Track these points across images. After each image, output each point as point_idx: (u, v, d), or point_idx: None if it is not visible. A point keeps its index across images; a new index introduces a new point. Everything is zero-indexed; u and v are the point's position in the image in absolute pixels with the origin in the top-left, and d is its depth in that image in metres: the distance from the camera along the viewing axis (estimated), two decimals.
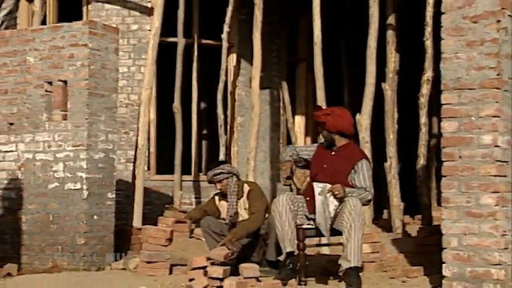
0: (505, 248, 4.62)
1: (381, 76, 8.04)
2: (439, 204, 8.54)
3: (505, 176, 4.69)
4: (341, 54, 10.89)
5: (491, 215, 4.63)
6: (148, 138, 8.57)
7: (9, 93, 6.88)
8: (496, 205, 4.63)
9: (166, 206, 8.34)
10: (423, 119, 7.91)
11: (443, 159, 4.83)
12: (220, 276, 5.13)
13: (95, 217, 6.42)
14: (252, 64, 8.29)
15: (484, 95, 4.69)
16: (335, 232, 5.35)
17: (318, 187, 5.28)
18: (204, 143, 11.64)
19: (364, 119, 7.60)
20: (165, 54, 8.99)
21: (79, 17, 8.86)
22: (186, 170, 8.92)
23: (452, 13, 4.81)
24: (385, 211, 9.01)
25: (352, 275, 5.13)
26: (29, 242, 6.60)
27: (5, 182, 6.83)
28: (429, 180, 9.25)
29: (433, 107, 8.82)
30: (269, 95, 9.66)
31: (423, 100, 7.85)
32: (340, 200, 5.22)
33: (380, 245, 6.25)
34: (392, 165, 8.04)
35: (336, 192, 5.20)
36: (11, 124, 6.84)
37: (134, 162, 7.94)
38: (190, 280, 5.25)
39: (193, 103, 9.13)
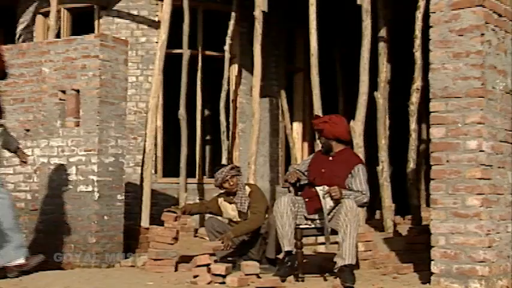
0: (489, 246, 4.63)
1: (373, 85, 8.06)
2: (428, 205, 8.55)
3: (489, 179, 4.70)
4: (336, 64, 10.91)
5: (476, 215, 4.64)
6: (156, 144, 8.58)
7: (25, 102, 6.90)
8: (480, 206, 4.64)
9: (172, 206, 8.33)
10: (413, 125, 7.93)
11: (431, 163, 4.84)
12: (223, 273, 5.14)
13: (106, 217, 6.43)
14: (252, 74, 8.31)
15: (470, 103, 4.71)
16: (331, 231, 5.36)
17: (320, 190, 5.28)
18: (207, 147, 11.64)
19: (357, 126, 7.62)
20: (171, 65, 9.00)
21: (91, 31, 8.88)
22: (190, 173, 8.94)
23: (439, 27, 4.83)
24: (377, 212, 9.02)
25: (346, 272, 5.13)
26: (44, 240, 6.60)
27: (22, 184, 6.84)
28: (419, 183, 9.26)
29: (422, 114, 8.83)
30: (268, 103, 9.67)
31: (413, 108, 7.87)
32: (336, 201, 5.23)
33: (373, 244, 6.25)
34: (384, 169, 8.05)
35: (333, 194, 5.20)
36: (28, 130, 6.86)
37: (142, 166, 7.95)
38: (195, 277, 5.25)
39: (197, 110, 9.14)
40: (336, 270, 5.20)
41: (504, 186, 4.91)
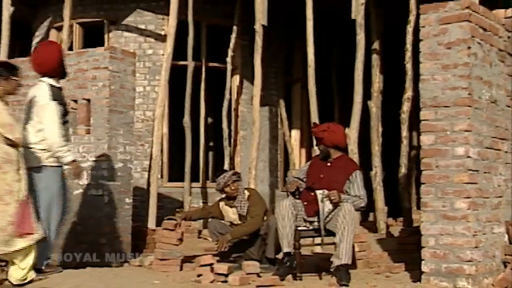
0: (476, 247, 4.63)
1: (367, 95, 8.07)
2: (418, 208, 8.55)
3: (475, 184, 4.70)
4: (332, 75, 10.92)
5: (464, 217, 4.64)
6: (162, 150, 8.58)
7: None
8: (468, 209, 4.64)
9: (177, 209, 8.34)
10: (404, 133, 7.94)
11: (422, 169, 4.85)
12: (225, 272, 5.14)
13: (115, 220, 6.42)
14: (253, 84, 8.33)
15: (458, 112, 4.71)
16: (328, 233, 5.37)
17: (320, 194, 5.29)
18: (210, 154, 11.64)
19: (352, 133, 7.62)
20: (176, 76, 9.02)
21: (101, 44, 8.91)
22: (194, 178, 8.94)
23: (429, 40, 4.84)
24: (371, 214, 9.02)
25: (342, 271, 5.14)
26: (58, 241, 6.60)
27: None
28: (410, 187, 9.26)
29: (413, 122, 8.84)
30: (268, 111, 9.68)
31: (404, 116, 7.88)
32: (335, 205, 5.24)
33: (366, 244, 6.25)
34: (377, 174, 8.06)
35: (332, 198, 5.21)
36: None
37: (149, 171, 7.96)
38: (199, 276, 5.25)
39: (201, 118, 9.15)
40: (332, 270, 5.20)
41: (490, 190, 4.91)
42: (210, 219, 6.23)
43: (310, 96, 7.81)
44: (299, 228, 5.40)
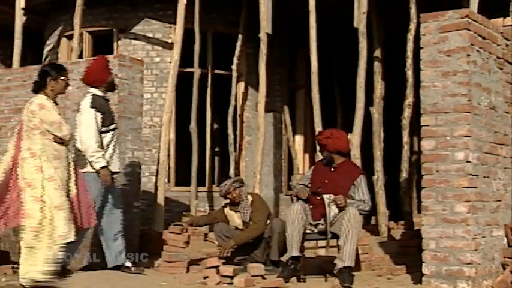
0: (476, 250, 4.63)
1: (368, 101, 8.07)
2: (419, 211, 8.52)
3: (475, 188, 4.70)
4: (334, 82, 10.93)
5: (463, 221, 4.64)
6: (169, 155, 8.59)
7: None
8: (468, 212, 4.64)
9: (184, 213, 8.35)
10: (405, 138, 7.93)
11: (423, 173, 4.85)
12: (231, 274, 5.15)
13: (123, 223, 6.43)
14: (258, 91, 8.33)
15: (457, 118, 4.72)
16: (333, 236, 5.38)
17: (327, 199, 5.30)
18: (216, 158, 11.65)
19: (354, 138, 7.62)
20: (183, 83, 9.04)
21: (110, 52, 8.93)
22: (201, 182, 8.94)
23: (429, 48, 4.85)
24: (373, 218, 9.00)
25: (345, 273, 5.14)
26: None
27: None
28: (411, 191, 9.23)
29: (414, 128, 8.82)
30: (273, 117, 9.69)
31: (405, 122, 7.87)
32: (341, 209, 5.25)
33: (368, 247, 6.24)
34: (379, 178, 8.05)
35: (339, 202, 5.23)
36: None
37: (156, 176, 7.96)
38: (205, 278, 5.26)
39: (207, 124, 9.17)
40: (335, 272, 5.20)
41: (489, 194, 4.91)
42: (216, 223, 6.24)
43: (314, 103, 7.82)
44: (305, 231, 5.41)
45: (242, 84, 9.43)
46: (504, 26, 5.30)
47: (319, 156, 6.13)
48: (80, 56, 8.88)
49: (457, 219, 4.65)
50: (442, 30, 4.78)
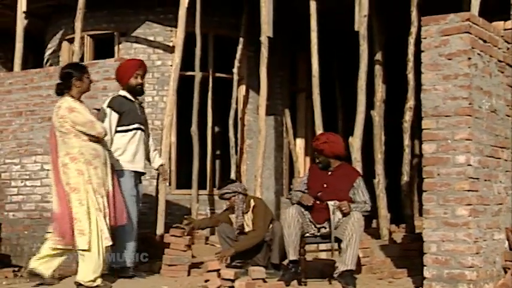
0: (477, 253, 4.63)
1: (369, 104, 8.07)
2: (420, 215, 8.52)
3: (476, 191, 4.70)
4: (335, 85, 10.93)
5: (465, 224, 4.64)
6: (170, 158, 8.60)
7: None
8: (469, 216, 4.64)
9: (185, 216, 8.32)
10: (406, 141, 7.93)
11: (424, 176, 4.85)
12: (232, 278, 5.14)
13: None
14: (259, 94, 8.35)
15: (458, 121, 4.72)
16: (335, 240, 5.38)
17: (331, 205, 5.32)
18: (217, 162, 11.65)
19: (355, 141, 7.63)
20: (184, 86, 9.06)
21: (111, 55, 8.95)
22: (202, 185, 8.95)
23: (430, 51, 4.86)
24: (374, 221, 9.00)
25: (348, 277, 5.15)
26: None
27: (48, 195, 6.86)
28: (412, 194, 9.24)
29: (415, 131, 8.83)
30: (274, 120, 9.69)
31: (406, 125, 7.87)
32: (345, 215, 5.27)
33: (370, 250, 6.24)
34: (380, 181, 8.05)
35: (343, 208, 5.25)
36: None
37: (157, 179, 7.97)
38: (206, 281, 5.25)
39: (208, 127, 9.17)
40: (336, 275, 5.21)
41: (490, 197, 4.91)
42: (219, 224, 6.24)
43: (315, 106, 7.83)
44: (306, 234, 5.41)
45: (243, 88, 9.44)
46: (505, 30, 5.30)
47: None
48: (81, 60, 8.89)
49: (458, 222, 4.64)
50: (443, 34, 4.79)
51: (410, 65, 7.78)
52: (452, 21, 4.76)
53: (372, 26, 8.39)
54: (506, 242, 5.07)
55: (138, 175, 5.61)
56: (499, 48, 5.19)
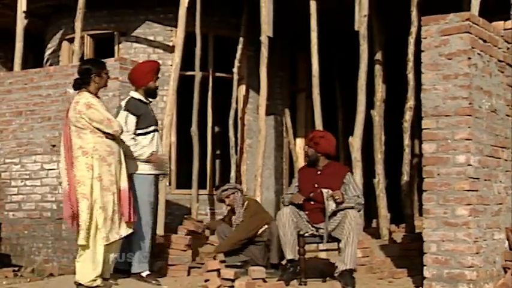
0: (477, 253, 4.63)
1: (369, 104, 8.07)
2: (420, 214, 8.52)
3: (476, 191, 4.70)
4: (335, 85, 10.93)
5: (465, 224, 4.64)
6: (170, 158, 8.60)
7: (52, 120, 6.95)
8: (469, 216, 4.64)
9: (185, 216, 8.32)
10: (406, 141, 7.93)
11: (424, 176, 4.85)
12: (232, 277, 5.15)
13: None
14: (259, 94, 8.35)
15: (458, 121, 4.72)
16: (332, 239, 5.39)
17: (325, 193, 5.31)
18: (217, 161, 11.65)
19: (355, 141, 7.63)
20: (184, 86, 9.06)
21: (111, 55, 8.95)
22: (202, 185, 8.95)
23: (430, 51, 4.86)
24: (374, 220, 9.00)
25: (347, 276, 5.16)
26: (68, 246, 6.62)
27: (48, 195, 6.88)
28: (412, 194, 9.23)
29: (415, 131, 8.83)
30: (274, 120, 9.69)
31: (406, 125, 7.87)
32: (338, 204, 5.26)
33: (370, 250, 6.25)
34: (380, 181, 8.05)
35: (337, 197, 5.25)
36: (54, 146, 6.90)
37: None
38: (206, 281, 5.26)
39: (208, 127, 9.17)
40: (336, 274, 5.21)
41: (490, 197, 4.91)
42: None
43: (315, 106, 7.82)
44: (305, 234, 5.41)
45: (243, 87, 9.44)
46: (505, 29, 5.31)
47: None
48: (81, 59, 8.89)
49: (458, 222, 4.65)
50: (443, 33, 4.79)
51: (410, 64, 7.77)
52: (452, 21, 4.77)
53: (372, 26, 8.39)
54: (506, 242, 5.08)
55: (156, 177, 5.59)
56: (499, 48, 5.19)
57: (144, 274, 5.35)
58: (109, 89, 6.50)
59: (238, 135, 9.38)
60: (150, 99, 5.67)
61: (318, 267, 5.92)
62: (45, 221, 6.86)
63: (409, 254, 6.21)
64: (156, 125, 5.64)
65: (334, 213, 5.31)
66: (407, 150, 7.96)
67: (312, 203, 5.39)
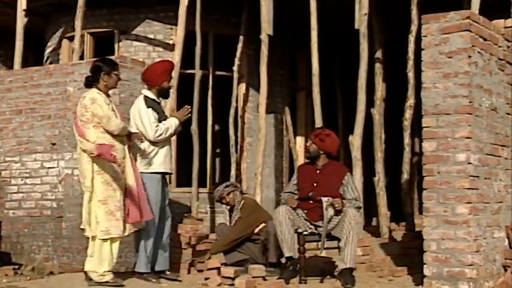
0: (477, 251, 4.63)
1: (370, 103, 8.07)
2: (420, 213, 8.53)
3: (476, 189, 4.70)
4: (335, 83, 10.92)
5: (465, 222, 4.64)
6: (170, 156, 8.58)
7: (52, 118, 6.95)
8: (469, 214, 4.64)
9: (185, 214, 8.32)
10: (406, 139, 7.93)
11: (424, 175, 4.85)
12: (232, 276, 5.15)
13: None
14: (259, 92, 8.34)
15: (458, 120, 4.72)
16: (330, 238, 5.39)
17: (325, 202, 5.31)
18: (217, 160, 11.65)
19: (356, 140, 7.63)
20: (184, 84, 9.05)
21: (111, 53, 8.94)
22: (202, 184, 8.95)
23: (430, 49, 4.86)
24: (374, 219, 9.00)
25: (347, 275, 5.16)
26: (68, 245, 6.62)
27: (48, 193, 6.88)
28: (412, 192, 9.24)
29: (415, 129, 8.83)
30: (274, 118, 9.69)
31: (406, 123, 7.87)
32: (338, 212, 5.27)
33: (370, 249, 6.25)
34: (380, 180, 8.05)
35: (336, 205, 5.25)
36: (54, 144, 6.90)
37: None
38: (206, 279, 5.27)
39: (208, 126, 9.17)
40: (336, 273, 5.21)
41: (490, 195, 4.91)
42: (217, 223, 6.26)
43: (315, 104, 7.82)
44: (304, 232, 5.41)
45: (243, 86, 9.44)
46: (505, 28, 5.31)
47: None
48: (81, 58, 8.89)
49: (458, 220, 4.65)
50: (443, 32, 4.79)
51: (411, 63, 7.77)
52: (452, 19, 4.76)
53: (372, 25, 8.38)
54: (506, 240, 5.08)
55: (164, 176, 5.58)
56: (499, 47, 5.19)
57: (158, 272, 5.41)
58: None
59: (239, 133, 9.37)
60: (162, 99, 5.69)
61: (318, 266, 5.92)
62: (45, 219, 6.86)
63: (409, 253, 6.21)
64: None
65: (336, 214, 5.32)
66: (407, 148, 7.96)
67: (311, 202, 5.39)
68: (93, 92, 5.12)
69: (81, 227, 5.12)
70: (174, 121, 5.51)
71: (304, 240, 5.42)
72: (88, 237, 5.08)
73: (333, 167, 5.52)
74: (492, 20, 5.23)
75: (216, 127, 11.07)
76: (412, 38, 7.75)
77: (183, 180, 9.43)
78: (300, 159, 10.05)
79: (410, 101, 7.81)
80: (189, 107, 5.69)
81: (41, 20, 9.87)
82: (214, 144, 10.05)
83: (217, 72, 9.40)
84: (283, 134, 9.95)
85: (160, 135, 5.36)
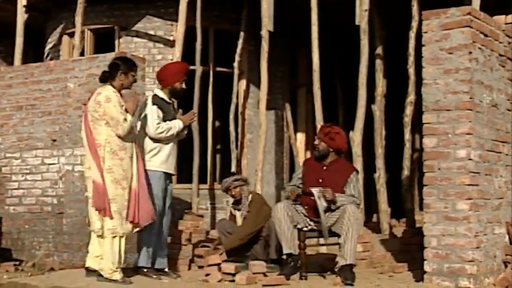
0: (477, 247, 4.64)
1: (370, 99, 8.07)
2: (421, 209, 8.54)
3: (477, 185, 4.71)
4: (336, 80, 10.92)
5: (465, 218, 4.65)
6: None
7: (52, 114, 6.95)
8: (469, 210, 4.65)
9: (186, 211, 8.33)
10: (407, 136, 7.93)
11: (424, 171, 4.86)
12: (233, 272, 5.16)
13: None
14: (259, 88, 8.34)
15: (459, 116, 4.72)
16: (331, 233, 5.39)
17: (315, 192, 5.30)
18: (218, 156, 11.65)
19: (356, 136, 7.63)
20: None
21: (112, 49, 8.93)
22: (202, 180, 8.95)
23: (431, 45, 4.86)
24: (374, 215, 9.01)
25: (347, 271, 5.16)
26: (69, 241, 6.63)
27: (49, 190, 6.88)
28: (412, 189, 9.24)
29: (415, 125, 8.82)
30: (274, 115, 9.69)
31: (407, 119, 7.87)
32: (329, 202, 5.23)
33: (370, 245, 6.25)
34: (380, 176, 8.05)
35: (327, 195, 5.22)
36: (54, 140, 6.90)
37: None
38: (207, 275, 5.27)
39: (208, 122, 9.17)
40: (337, 269, 5.21)
41: (491, 191, 4.92)
42: (218, 219, 6.26)
43: (315, 100, 7.82)
44: (304, 229, 5.41)
45: (244, 82, 9.43)
46: (506, 24, 5.30)
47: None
48: (82, 54, 8.88)
49: (459, 216, 4.65)
50: (443, 28, 4.78)
51: (411, 59, 7.77)
52: (453, 15, 4.76)
53: (373, 21, 8.37)
54: (507, 236, 5.08)
55: (168, 176, 5.58)
56: (500, 43, 5.19)
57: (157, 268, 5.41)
58: None
59: (239, 129, 9.37)
60: (173, 100, 5.69)
61: (318, 262, 5.93)
62: (45, 216, 6.87)
63: (409, 249, 6.21)
64: None
65: (331, 209, 5.30)
66: (407, 144, 7.96)
67: (312, 198, 5.38)
68: (109, 90, 5.05)
69: (90, 228, 5.04)
70: (178, 123, 5.49)
71: (305, 236, 5.42)
72: (90, 234, 5.06)
73: (340, 164, 5.51)
74: (493, 16, 5.22)
75: (217, 123, 11.06)
76: (412, 34, 7.75)
77: (184, 176, 9.43)
78: (301, 156, 10.06)
79: (411, 97, 7.81)
80: (195, 111, 5.67)
81: (41, 16, 9.86)
82: (215, 141, 10.04)
83: (218, 69, 9.39)
84: (283, 130, 9.95)
85: (161, 133, 5.35)
